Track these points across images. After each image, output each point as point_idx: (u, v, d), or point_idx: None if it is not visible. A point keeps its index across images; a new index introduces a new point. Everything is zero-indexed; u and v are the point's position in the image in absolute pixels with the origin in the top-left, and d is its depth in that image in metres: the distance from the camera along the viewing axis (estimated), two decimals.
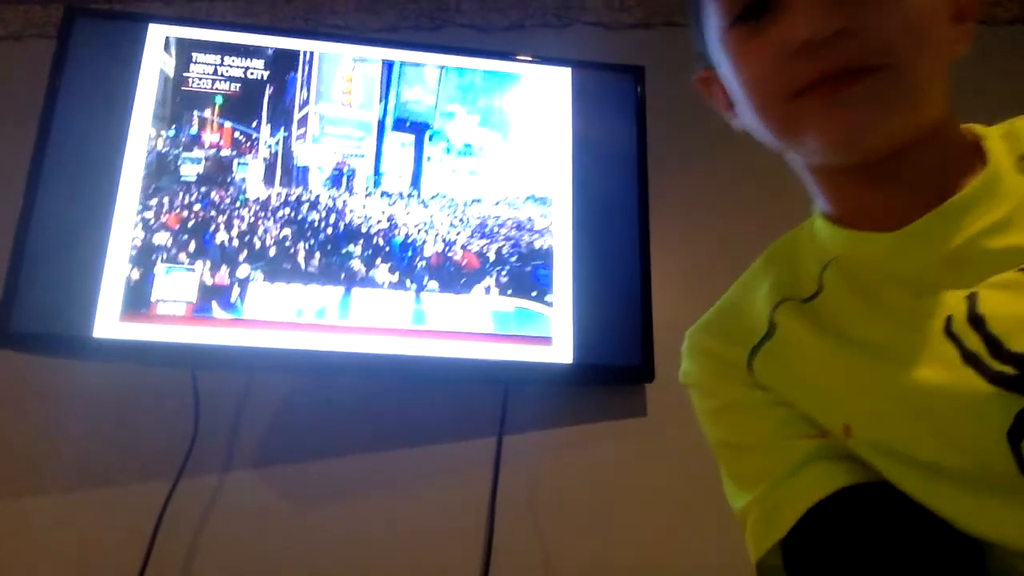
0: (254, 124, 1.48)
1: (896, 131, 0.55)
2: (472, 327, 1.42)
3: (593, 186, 1.53)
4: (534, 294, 1.45)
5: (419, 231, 1.47)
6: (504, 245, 1.48)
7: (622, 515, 1.43)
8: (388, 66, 1.55)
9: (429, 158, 1.52)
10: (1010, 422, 0.49)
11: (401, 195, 1.49)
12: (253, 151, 1.46)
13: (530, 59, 1.60)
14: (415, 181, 1.50)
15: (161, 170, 1.42)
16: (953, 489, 0.52)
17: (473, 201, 1.50)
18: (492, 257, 1.47)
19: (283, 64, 1.51)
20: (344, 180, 1.48)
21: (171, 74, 1.47)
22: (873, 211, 0.60)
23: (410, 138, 1.53)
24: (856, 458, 0.58)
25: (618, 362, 1.46)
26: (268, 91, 1.50)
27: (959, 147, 0.60)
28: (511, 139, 1.54)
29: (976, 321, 0.52)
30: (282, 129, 1.48)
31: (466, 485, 1.44)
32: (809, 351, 0.61)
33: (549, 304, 1.45)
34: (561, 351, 1.43)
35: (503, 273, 1.46)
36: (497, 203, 1.50)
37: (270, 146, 1.47)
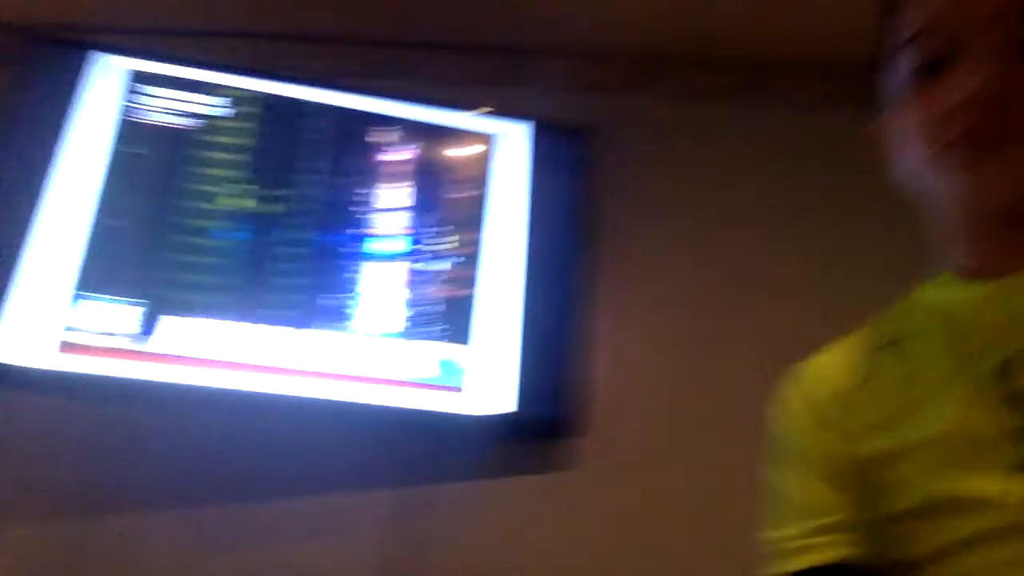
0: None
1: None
2: (398, 374, 1.42)
3: (537, 241, 1.56)
4: (462, 344, 1.45)
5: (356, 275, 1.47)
6: (433, 294, 1.49)
7: (546, 571, 1.40)
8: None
9: None
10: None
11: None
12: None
13: (489, 112, 1.63)
14: None
15: (100, 201, 1.40)
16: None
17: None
18: (421, 306, 1.47)
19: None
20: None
21: (118, 105, 1.46)
22: (995, 264, 0.63)
23: None
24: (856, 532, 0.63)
25: (549, 415, 1.46)
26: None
27: None
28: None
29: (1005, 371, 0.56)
30: None
31: (386, 534, 1.41)
32: (881, 384, 0.65)
33: (476, 355, 1.45)
34: (491, 402, 1.43)
35: (432, 322, 1.46)
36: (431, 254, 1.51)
37: None
